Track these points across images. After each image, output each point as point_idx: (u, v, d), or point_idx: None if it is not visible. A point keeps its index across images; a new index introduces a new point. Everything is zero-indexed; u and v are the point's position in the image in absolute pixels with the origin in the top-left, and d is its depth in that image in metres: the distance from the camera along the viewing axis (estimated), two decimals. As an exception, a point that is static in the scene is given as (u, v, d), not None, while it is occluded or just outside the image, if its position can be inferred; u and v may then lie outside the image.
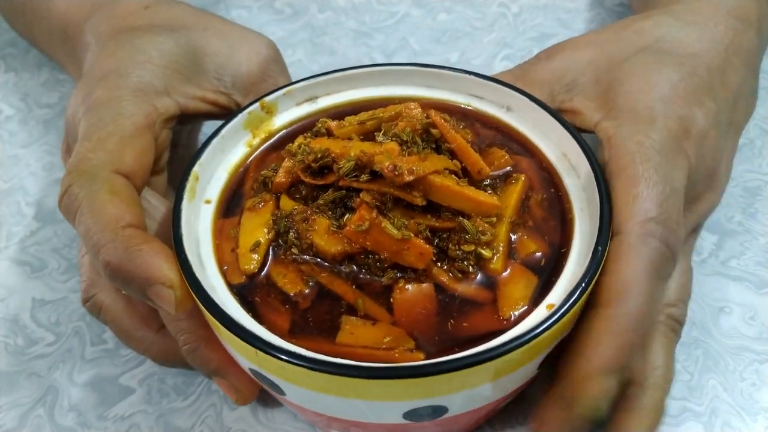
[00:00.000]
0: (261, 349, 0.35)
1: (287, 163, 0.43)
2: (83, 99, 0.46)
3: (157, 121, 0.46)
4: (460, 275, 0.39)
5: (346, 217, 0.39)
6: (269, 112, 0.48)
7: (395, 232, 0.37)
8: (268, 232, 0.41)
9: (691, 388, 0.45)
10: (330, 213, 0.40)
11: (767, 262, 0.52)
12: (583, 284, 0.36)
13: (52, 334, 0.51)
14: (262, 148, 0.48)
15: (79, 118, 0.46)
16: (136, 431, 0.45)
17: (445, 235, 0.39)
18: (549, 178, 0.44)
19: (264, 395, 0.45)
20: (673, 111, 0.42)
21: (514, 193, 0.42)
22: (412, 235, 0.37)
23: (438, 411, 0.36)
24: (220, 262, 0.41)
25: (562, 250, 0.40)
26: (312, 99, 0.50)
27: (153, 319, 0.44)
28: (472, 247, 0.38)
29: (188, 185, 0.42)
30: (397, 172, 0.37)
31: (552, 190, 0.43)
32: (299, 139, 0.44)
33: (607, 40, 0.48)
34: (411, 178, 0.37)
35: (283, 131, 0.49)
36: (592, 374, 0.36)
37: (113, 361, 0.49)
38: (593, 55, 0.47)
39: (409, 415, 0.36)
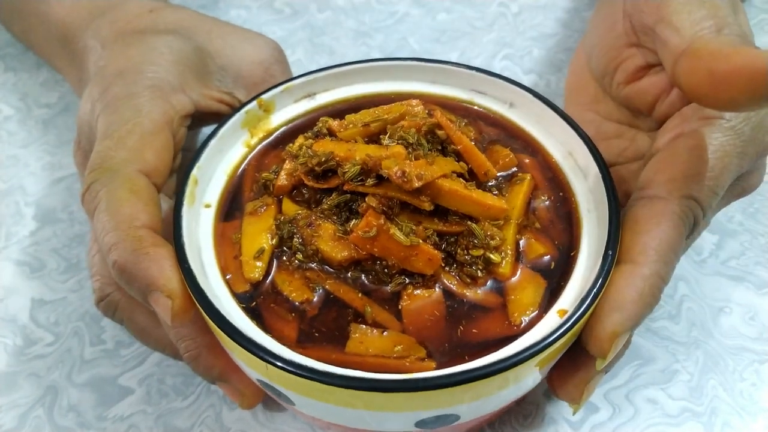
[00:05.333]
0: (272, 364, 0.34)
1: (288, 166, 0.42)
2: (99, 96, 0.46)
3: (175, 119, 0.46)
4: (468, 280, 0.38)
5: (352, 222, 0.38)
6: (267, 110, 0.47)
7: (403, 238, 0.36)
8: (272, 238, 0.40)
9: (691, 388, 0.46)
10: (335, 218, 0.39)
11: (767, 262, 0.52)
12: (595, 290, 0.35)
13: (52, 335, 0.50)
14: (260, 147, 0.46)
15: (96, 114, 0.45)
16: (136, 431, 0.45)
17: (452, 239, 0.38)
18: (554, 178, 0.43)
19: (264, 396, 0.45)
20: None
21: (520, 193, 0.41)
22: (421, 241, 0.37)
23: (449, 419, 0.36)
24: (224, 270, 0.40)
25: (571, 254, 0.39)
26: (310, 95, 0.49)
27: None
28: (481, 252, 0.38)
29: (188, 189, 0.41)
30: (405, 178, 0.36)
31: (558, 190, 0.43)
32: (300, 139, 0.43)
33: None
34: (420, 183, 0.36)
35: (282, 129, 0.47)
36: (617, 331, 0.36)
37: (112, 361, 0.49)
38: None
39: (420, 424, 0.36)
